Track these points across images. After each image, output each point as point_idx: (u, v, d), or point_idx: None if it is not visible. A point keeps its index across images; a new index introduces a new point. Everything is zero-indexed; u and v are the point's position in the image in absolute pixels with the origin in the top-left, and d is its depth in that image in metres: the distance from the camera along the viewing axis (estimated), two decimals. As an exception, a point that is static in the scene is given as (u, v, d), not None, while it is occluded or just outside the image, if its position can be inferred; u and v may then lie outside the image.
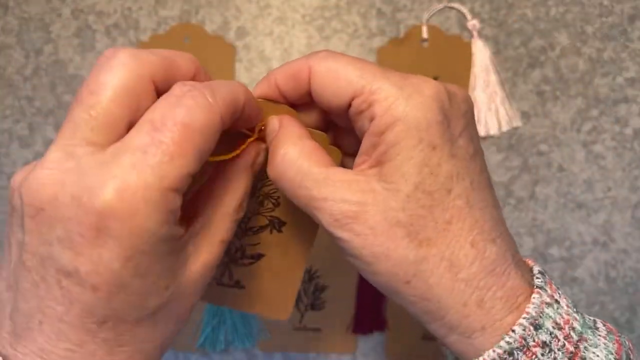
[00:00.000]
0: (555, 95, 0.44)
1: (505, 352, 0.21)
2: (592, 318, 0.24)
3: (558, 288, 0.24)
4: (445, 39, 0.45)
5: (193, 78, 0.23)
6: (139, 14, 0.45)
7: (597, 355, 0.22)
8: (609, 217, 0.44)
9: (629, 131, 0.44)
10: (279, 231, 0.29)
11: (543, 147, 0.44)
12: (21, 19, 0.45)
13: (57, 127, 0.45)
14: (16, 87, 0.45)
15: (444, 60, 0.44)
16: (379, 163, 0.23)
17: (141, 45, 0.45)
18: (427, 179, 0.22)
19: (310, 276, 0.44)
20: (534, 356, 0.22)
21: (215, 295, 0.30)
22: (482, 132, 0.44)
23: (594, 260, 0.44)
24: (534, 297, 0.22)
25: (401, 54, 0.45)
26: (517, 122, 0.44)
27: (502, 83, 0.44)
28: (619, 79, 0.44)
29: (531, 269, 0.24)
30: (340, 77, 0.23)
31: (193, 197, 0.24)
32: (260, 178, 0.27)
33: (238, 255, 0.29)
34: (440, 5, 0.45)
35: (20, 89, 0.45)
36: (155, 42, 0.45)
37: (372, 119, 0.23)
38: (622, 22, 0.45)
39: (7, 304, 0.20)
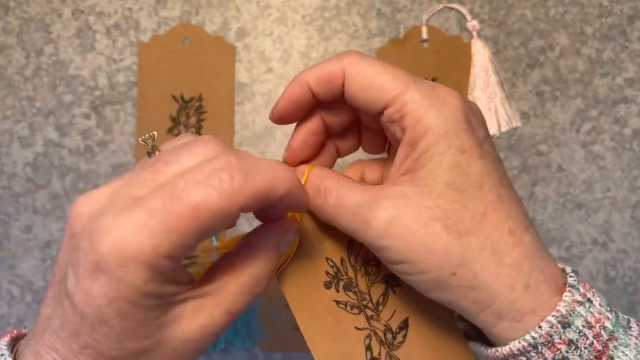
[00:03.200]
0: (554, 96, 0.45)
1: (529, 345, 0.22)
2: (626, 317, 0.24)
3: (592, 287, 0.24)
4: (445, 39, 0.45)
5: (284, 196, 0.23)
6: (140, 14, 0.45)
7: (626, 355, 0.22)
8: (608, 217, 0.44)
9: (628, 131, 0.44)
10: (398, 285, 0.28)
11: (542, 148, 0.44)
12: (22, 19, 0.45)
13: (58, 127, 0.45)
14: (17, 88, 0.45)
15: (443, 61, 0.45)
16: (411, 170, 0.24)
17: (142, 45, 0.45)
18: (458, 177, 0.23)
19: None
20: (558, 352, 0.22)
21: None
22: (481, 132, 0.44)
23: (593, 260, 0.44)
24: (565, 295, 0.23)
25: (401, 54, 0.45)
26: (517, 123, 0.44)
27: (502, 83, 0.44)
28: (618, 80, 0.45)
29: (563, 269, 0.25)
30: (375, 85, 0.24)
31: (219, 260, 0.25)
32: (348, 251, 0.27)
33: (390, 337, 0.27)
34: (440, 6, 0.45)
35: (21, 89, 0.45)
36: (155, 42, 0.45)
37: (404, 130, 0.24)
38: (622, 22, 0.45)
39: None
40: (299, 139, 0.27)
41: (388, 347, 0.27)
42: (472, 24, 0.44)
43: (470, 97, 0.44)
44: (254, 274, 0.24)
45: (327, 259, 0.27)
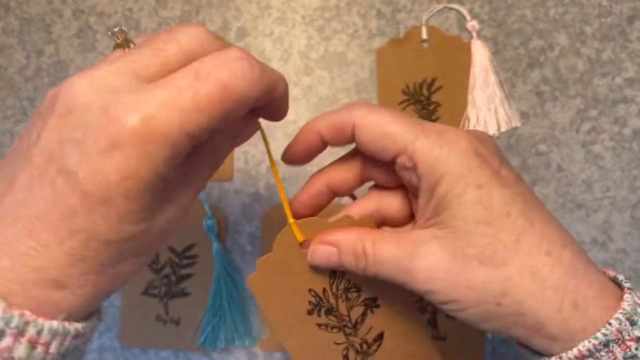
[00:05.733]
0: (554, 96, 0.45)
1: (600, 343, 0.22)
2: None
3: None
4: (445, 39, 0.45)
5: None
6: (140, 14, 0.45)
7: None
8: (608, 217, 0.44)
9: (627, 131, 0.44)
10: (377, 306, 0.30)
11: (542, 147, 0.45)
12: (22, 19, 0.46)
13: (58, 127, 0.45)
14: (17, 88, 0.45)
15: (443, 61, 0.45)
16: (435, 215, 0.25)
17: (142, 45, 0.45)
18: (481, 213, 0.24)
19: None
20: (628, 350, 0.22)
21: None
22: (481, 132, 0.44)
23: (593, 260, 0.44)
24: (626, 297, 0.24)
25: (401, 54, 0.45)
26: (516, 123, 0.44)
27: (502, 83, 0.44)
28: (618, 80, 0.45)
29: (612, 277, 0.26)
30: (384, 136, 0.25)
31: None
32: (331, 282, 0.30)
33: (365, 347, 0.31)
34: (440, 6, 0.45)
35: (22, 90, 0.45)
36: (155, 42, 0.45)
37: (419, 177, 0.25)
38: (621, 22, 0.45)
39: None
40: (306, 197, 0.29)
41: (363, 355, 0.31)
42: (472, 24, 0.45)
43: (470, 97, 0.44)
44: (215, 150, 0.25)
45: (310, 290, 0.30)
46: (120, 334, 0.44)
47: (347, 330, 0.31)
